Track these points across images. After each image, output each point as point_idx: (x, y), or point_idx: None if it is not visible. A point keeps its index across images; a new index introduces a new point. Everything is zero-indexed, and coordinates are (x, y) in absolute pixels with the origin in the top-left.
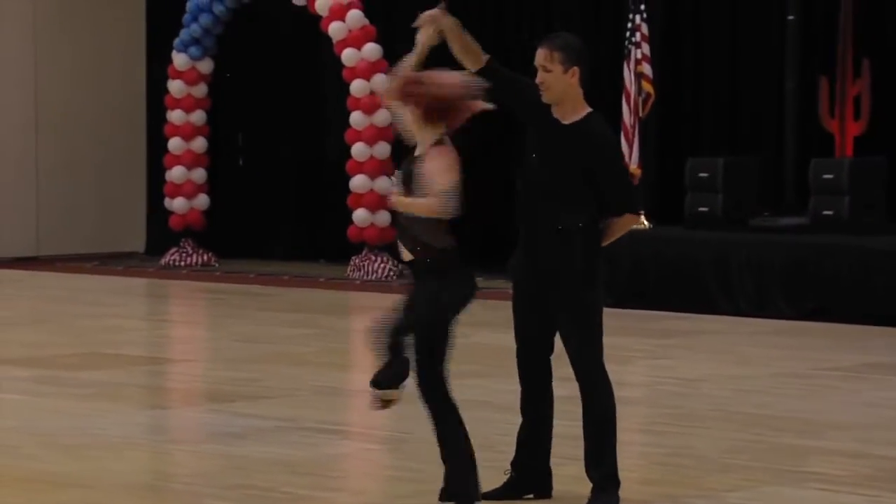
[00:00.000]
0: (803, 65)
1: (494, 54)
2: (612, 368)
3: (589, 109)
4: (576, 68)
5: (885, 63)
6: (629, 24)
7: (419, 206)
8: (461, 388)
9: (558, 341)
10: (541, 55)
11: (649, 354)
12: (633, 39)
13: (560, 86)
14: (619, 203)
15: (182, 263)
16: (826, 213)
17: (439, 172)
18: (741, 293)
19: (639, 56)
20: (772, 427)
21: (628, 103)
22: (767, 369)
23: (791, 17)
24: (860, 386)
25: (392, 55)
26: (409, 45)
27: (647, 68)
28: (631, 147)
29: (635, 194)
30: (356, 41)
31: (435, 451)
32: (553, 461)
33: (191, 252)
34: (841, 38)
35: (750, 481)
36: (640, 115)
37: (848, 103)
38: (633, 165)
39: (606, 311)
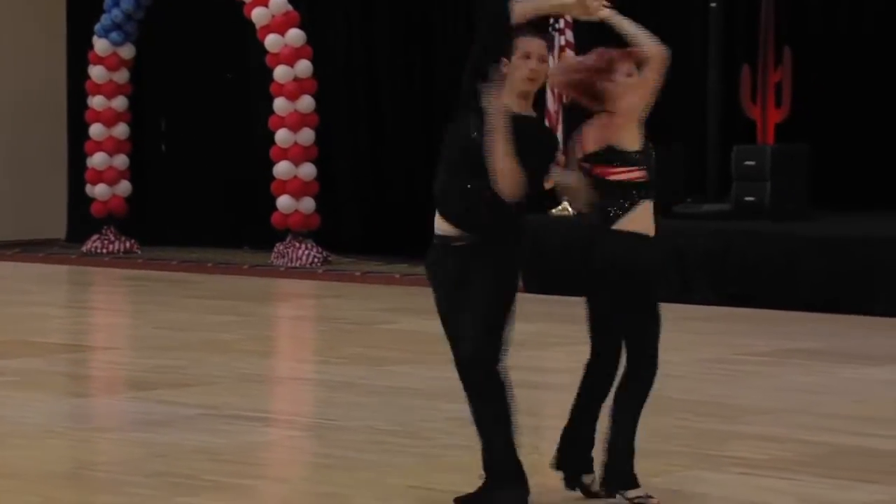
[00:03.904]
0: (726, 52)
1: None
2: (535, 354)
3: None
4: None
5: (806, 51)
6: None
7: None
8: (387, 374)
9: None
10: (542, 46)
11: (572, 340)
12: (557, 26)
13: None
14: None
15: (104, 250)
16: (748, 199)
17: None
18: (664, 279)
19: (563, 43)
20: (695, 412)
21: (552, 90)
22: (690, 355)
23: (714, 5)
24: (782, 371)
25: (316, 41)
26: (332, 30)
27: (571, 55)
28: (555, 133)
29: None
30: (279, 27)
31: (360, 438)
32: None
33: (113, 239)
34: (762, 25)
35: (673, 466)
36: (564, 101)
37: (769, 91)
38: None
39: (532, 297)
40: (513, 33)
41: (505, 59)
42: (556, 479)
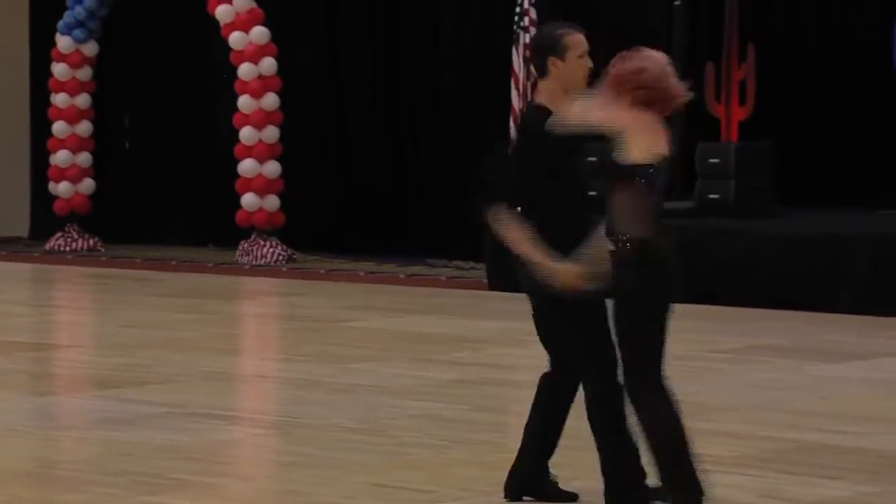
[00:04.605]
0: (690, 50)
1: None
2: (504, 352)
3: None
4: None
5: (770, 48)
6: (518, 9)
7: None
8: (352, 372)
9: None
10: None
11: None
12: (522, 24)
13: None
14: None
15: (67, 248)
16: (712, 196)
17: None
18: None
19: (527, 41)
20: None
21: (517, 87)
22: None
23: (678, 3)
24: (746, 368)
25: (280, 38)
26: (297, 28)
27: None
28: None
29: None
30: (244, 24)
31: (324, 435)
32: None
33: (76, 237)
34: (726, 23)
35: None
36: (529, 99)
37: (733, 88)
38: None
39: (501, 295)
40: (558, 31)
41: (554, 59)
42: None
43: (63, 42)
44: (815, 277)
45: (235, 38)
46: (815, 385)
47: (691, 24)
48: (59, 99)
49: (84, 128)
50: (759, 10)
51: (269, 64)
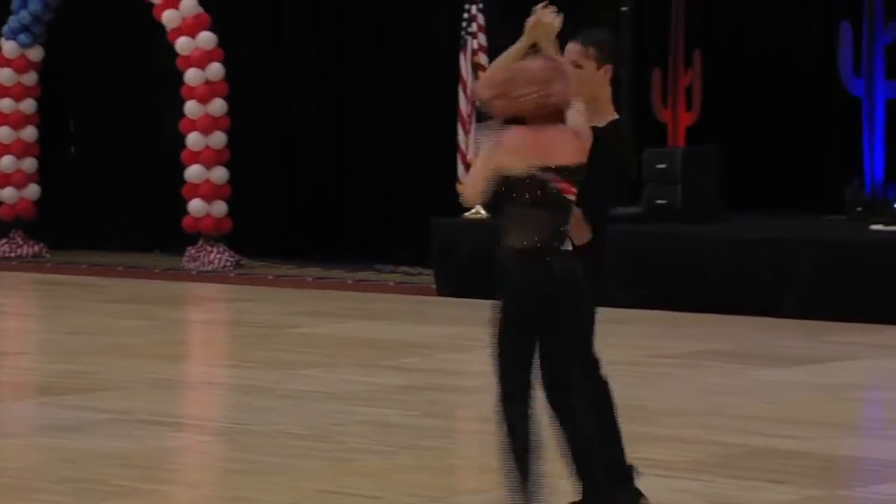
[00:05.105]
0: (636, 55)
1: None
2: (452, 357)
3: (616, 115)
4: (609, 66)
5: (716, 54)
6: (465, 14)
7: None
8: (299, 378)
9: None
10: (574, 51)
11: (486, 343)
12: (470, 29)
13: (592, 84)
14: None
15: (12, 254)
16: (659, 202)
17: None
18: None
19: (475, 46)
20: None
21: (465, 93)
22: (603, 357)
23: (625, 9)
24: (693, 373)
25: (227, 43)
26: (243, 33)
27: (483, 58)
28: (468, 137)
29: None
30: (190, 29)
31: (271, 442)
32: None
33: (21, 243)
34: (673, 29)
35: None
36: (477, 104)
37: (680, 94)
38: (471, 155)
39: (445, 300)
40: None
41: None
42: (470, 481)
43: (8, 47)
44: (759, 282)
45: (182, 43)
46: (762, 390)
47: (638, 30)
48: (4, 104)
49: (29, 133)
50: (704, 17)
51: (215, 69)
